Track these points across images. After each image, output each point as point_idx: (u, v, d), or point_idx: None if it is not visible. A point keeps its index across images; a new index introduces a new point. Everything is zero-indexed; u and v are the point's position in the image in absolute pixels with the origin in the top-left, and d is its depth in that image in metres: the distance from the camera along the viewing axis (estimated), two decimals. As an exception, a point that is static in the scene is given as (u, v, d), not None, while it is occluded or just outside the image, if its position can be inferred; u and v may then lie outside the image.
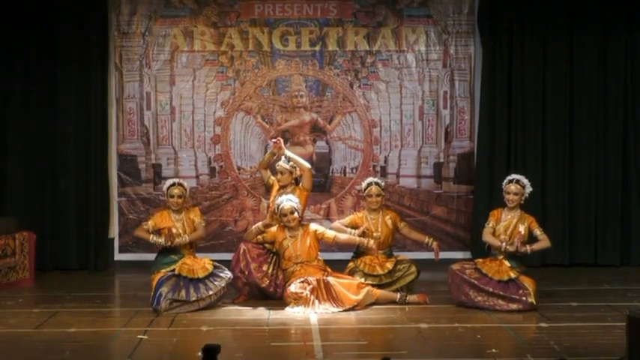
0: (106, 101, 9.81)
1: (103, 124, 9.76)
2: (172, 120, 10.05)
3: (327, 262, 7.86)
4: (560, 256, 9.70)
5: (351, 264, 7.98)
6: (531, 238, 7.67)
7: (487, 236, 7.68)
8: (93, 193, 9.66)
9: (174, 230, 7.56)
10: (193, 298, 7.36)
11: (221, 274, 7.52)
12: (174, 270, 7.46)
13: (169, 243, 7.53)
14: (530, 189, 7.72)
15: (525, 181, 7.71)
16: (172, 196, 7.66)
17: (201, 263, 7.53)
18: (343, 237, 7.80)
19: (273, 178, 8.07)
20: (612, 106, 9.84)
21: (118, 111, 9.96)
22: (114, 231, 9.94)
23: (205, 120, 10.07)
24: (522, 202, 7.72)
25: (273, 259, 7.82)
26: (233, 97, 10.09)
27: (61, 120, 9.67)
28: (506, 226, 7.65)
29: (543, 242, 7.66)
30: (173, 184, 7.72)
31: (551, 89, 9.82)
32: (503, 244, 7.53)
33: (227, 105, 10.09)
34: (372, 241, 7.73)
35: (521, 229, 7.57)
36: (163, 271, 7.51)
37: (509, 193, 7.68)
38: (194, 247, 7.77)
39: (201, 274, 7.44)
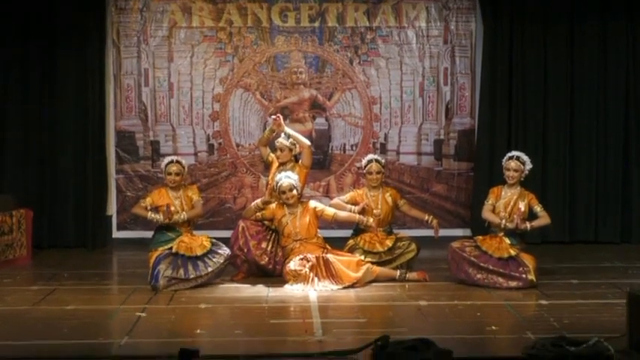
0: (104, 78, 9.77)
1: (101, 101, 9.73)
2: (170, 96, 10.02)
3: (326, 239, 7.86)
4: (561, 233, 9.70)
5: (350, 241, 7.98)
6: (531, 215, 7.66)
7: (487, 213, 7.67)
8: (90, 170, 9.64)
9: (172, 208, 7.54)
10: (192, 276, 7.36)
11: (219, 252, 7.52)
12: (171, 248, 7.45)
13: (167, 220, 7.52)
14: (530, 166, 7.71)
15: (525, 157, 7.70)
16: (170, 174, 7.64)
17: (199, 241, 7.53)
18: (343, 214, 7.80)
19: (272, 155, 8.05)
20: (613, 83, 9.82)
21: (115, 87, 9.93)
22: (112, 208, 9.94)
23: (204, 97, 10.04)
24: (522, 179, 7.71)
25: (272, 237, 7.82)
26: (232, 74, 10.04)
27: (58, 96, 9.64)
28: (506, 203, 7.64)
29: (543, 219, 7.66)
30: (171, 162, 7.70)
31: (552, 65, 9.79)
32: (503, 221, 7.52)
33: (226, 81, 10.05)
34: (371, 219, 7.73)
35: (521, 206, 7.56)
36: (161, 249, 7.51)
37: (509, 170, 7.66)
38: (192, 224, 7.76)
39: (199, 252, 7.43)
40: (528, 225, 7.55)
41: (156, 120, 10.02)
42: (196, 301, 6.88)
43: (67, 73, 9.64)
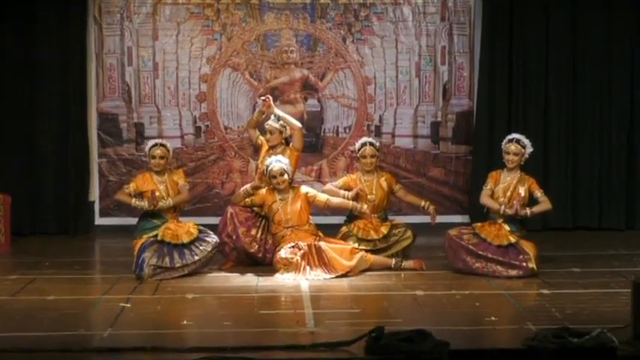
0: (85, 57, 9.73)
1: (82, 81, 9.69)
2: (155, 77, 9.98)
3: (318, 226, 7.85)
4: (563, 219, 9.72)
5: (344, 228, 7.97)
6: (532, 201, 7.65)
7: (485, 199, 7.67)
8: (72, 153, 9.61)
9: (157, 193, 7.52)
10: (178, 265, 7.35)
11: (207, 239, 7.51)
12: (157, 235, 7.44)
13: (152, 206, 7.50)
14: (531, 149, 7.70)
15: (526, 140, 7.69)
16: (154, 157, 7.61)
17: (185, 228, 7.51)
18: (336, 200, 7.79)
19: (261, 138, 8.02)
20: (618, 61, 9.79)
21: (97, 67, 9.88)
22: (94, 194, 9.92)
23: (190, 77, 10.00)
24: (522, 162, 7.70)
25: (262, 223, 7.81)
26: (219, 53, 10.00)
27: (38, 77, 9.59)
28: (506, 187, 7.63)
29: (544, 204, 7.66)
30: (155, 145, 7.67)
31: (555, 43, 9.76)
32: (502, 206, 7.52)
33: (213, 61, 10.00)
34: (365, 206, 7.72)
35: (521, 190, 7.56)
36: (146, 236, 7.49)
37: (508, 154, 7.65)
38: (178, 211, 7.75)
39: (185, 239, 7.42)
40: (528, 211, 7.55)
41: (140, 101, 9.98)
42: (183, 291, 6.87)
43: (47, 52, 9.58)
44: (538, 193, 7.65)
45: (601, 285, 7.00)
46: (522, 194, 7.55)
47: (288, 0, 9.96)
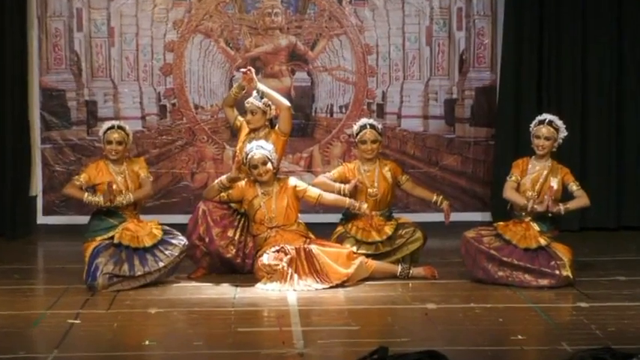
0: (25, 20, 9.72)
1: (21, 51, 9.68)
2: (110, 45, 9.98)
3: (309, 225, 7.86)
4: (604, 217, 9.75)
5: (339, 228, 7.99)
6: (566, 195, 7.67)
7: (509, 192, 7.67)
8: (9, 138, 9.62)
9: (113, 186, 7.52)
10: (139, 273, 7.36)
11: (173, 242, 7.51)
12: (113, 237, 7.44)
13: (108, 202, 7.49)
14: (565, 133, 7.71)
15: (559, 122, 7.70)
16: (110, 143, 7.61)
17: (147, 228, 7.52)
18: (329, 196, 7.79)
19: (240, 119, 8.03)
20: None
21: (40, 33, 9.88)
22: (36, 187, 9.93)
23: (153, 45, 10.01)
24: (555, 149, 7.71)
25: (241, 223, 7.82)
26: (188, 16, 10.00)
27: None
28: (535, 179, 7.65)
29: (581, 200, 7.67)
30: (111, 128, 7.66)
31: (594, 4, 9.77)
32: (530, 202, 7.54)
33: (181, 26, 10.00)
34: (365, 204, 7.72)
35: (554, 182, 7.57)
36: (99, 238, 7.49)
37: (539, 138, 7.66)
38: (138, 207, 7.75)
39: (147, 242, 7.42)
40: (562, 207, 7.56)
41: (92, 75, 9.99)
42: (144, 305, 6.87)
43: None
44: (574, 186, 7.66)
45: (650, 297, 7.04)
46: (555, 187, 7.56)
47: (271, -49, 9.98)
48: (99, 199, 7.52)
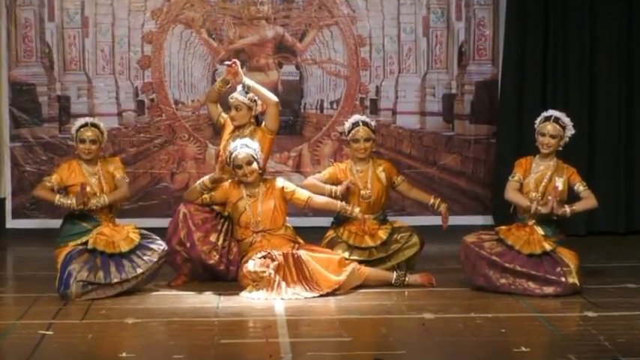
0: (-8, 9, 9.74)
1: (-12, 42, 9.69)
2: (84, 35, 9.97)
3: (298, 230, 7.86)
4: (613, 221, 9.78)
5: (330, 233, 8.00)
6: (572, 196, 7.69)
7: (512, 193, 7.69)
8: (-25, 136, 9.61)
9: (87, 188, 7.52)
10: (115, 280, 7.35)
11: (152, 247, 7.51)
12: (87, 243, 7.43)
13: (81, 205, 7.49)
14: (572, 131, 7.72)
15: (566, 119, 7.72)
16: (83, 142, 7.61)
17: (123, 233, 7.52)
18: (320, 199, 7.79)
19: (224, 115, 8.03)
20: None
21: (8, 23, 9.88)
22: (5, 189, 9.92)
23: (130, 36, 10.01)
24: (561, 147, 7.73)
25: (225, 227, 7.82)
26: (168, 5, 10.00)
27: None
28: (538, 179, 7.66)
29: (588, 201, 7.68)
30: (84, 125, 7.66)
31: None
32: (534, 203, 7.55)
33: (160, 15, 10.00)
34: (358, 208, 7.73)
35: (559, 183, 7.57)
36: (72, 244, 7.49)
37: (544, 135, 7.68)
38: (114, 211, 7.75)
39: (124, 248, 7.42)
40: (568, 209, 7.57)
41: (65, 68, 9.98)
42: (121, 315, 6.87)
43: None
44: (580, 187, 7.68)
45: (662, 306, 7.06)
46: (560, 187, 7.57)
47: None
48: (71, 201, 7.51)
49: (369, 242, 7.85)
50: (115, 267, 7.38)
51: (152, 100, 10.06)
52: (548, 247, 7.49)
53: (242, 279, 7.50)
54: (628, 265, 8.44)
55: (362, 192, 7.94)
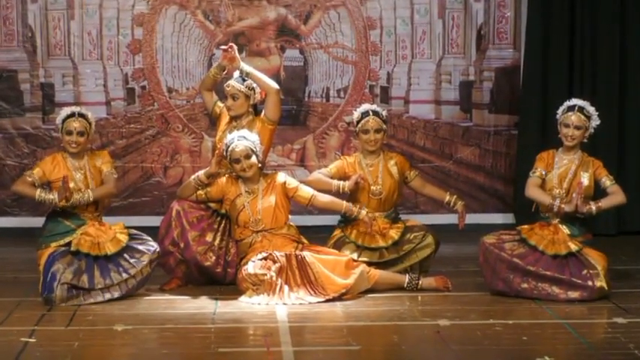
0: (-30, -10, 9.76)
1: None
2: (70, 18, 10.00)
3: (302, 229, 7.87)
4: (645, 219, 9.79)
5: (337, 232, 8.01)
6: (598, 192, 7.68)
7: (532, 190, 7.68)
8: (-48, 127, 9.64)
9: (71, 183, 7.52)
10: (99, 286, 7.35)
11: (141, 248, 7.51)
12: (70, 244, 7.44)
13: (64, 201, 7.49)
14: (598, 121, 7.72)
15: (591, 109, 7.71)
16: (70, 133, 7.61)
17: (110, 233, 7.52)
18: (324, 198, 7.80)
19: (220, 104, 8.04)
20: None
21: (-13, 5, 9.90)
22: (-17, 184, 9.95)
23: (119, 18, 10.02)
24: (586, 139, 7.73)
25: (222, 226, 7.84)
26: (160, -16, 10.02)
27: None
28: (562, 174, 7.67)
29: (615, 196, 7.67)
30: (71, 115, 7.66)
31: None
32: (557, 200, 7.55)
33: (152, -5, 10.03)
34: (364, 211, 7.74)
35: (584, 178, 7.57)
36: (55, 244, 7.49)
37: (567, 126, 7.68)
38: (100, 208, 7.75)
39: (110, 250, 7.42)
40: (594, 206, 7.57)
41: (49, 53, 10.00)
42: (109, 321, 6.87)
43: None
44: (607, 181, 7.67)
45: (698, 311, 7.07)
46: (585, 183, 7.56)
47: None
48: (53, 196, 7.50)
49: (379, 242, 7.86)
50: (99, 271, 7.36)
51: (143, 87, 10.07)
52: (574, 247, 7.49)
53: (241, 282, 7.51)
54: (661, 267, 8.47)
55: (372, 188, 7.95)
